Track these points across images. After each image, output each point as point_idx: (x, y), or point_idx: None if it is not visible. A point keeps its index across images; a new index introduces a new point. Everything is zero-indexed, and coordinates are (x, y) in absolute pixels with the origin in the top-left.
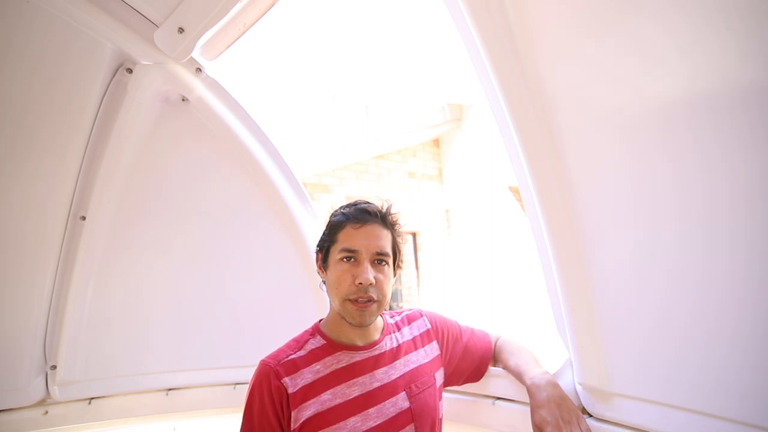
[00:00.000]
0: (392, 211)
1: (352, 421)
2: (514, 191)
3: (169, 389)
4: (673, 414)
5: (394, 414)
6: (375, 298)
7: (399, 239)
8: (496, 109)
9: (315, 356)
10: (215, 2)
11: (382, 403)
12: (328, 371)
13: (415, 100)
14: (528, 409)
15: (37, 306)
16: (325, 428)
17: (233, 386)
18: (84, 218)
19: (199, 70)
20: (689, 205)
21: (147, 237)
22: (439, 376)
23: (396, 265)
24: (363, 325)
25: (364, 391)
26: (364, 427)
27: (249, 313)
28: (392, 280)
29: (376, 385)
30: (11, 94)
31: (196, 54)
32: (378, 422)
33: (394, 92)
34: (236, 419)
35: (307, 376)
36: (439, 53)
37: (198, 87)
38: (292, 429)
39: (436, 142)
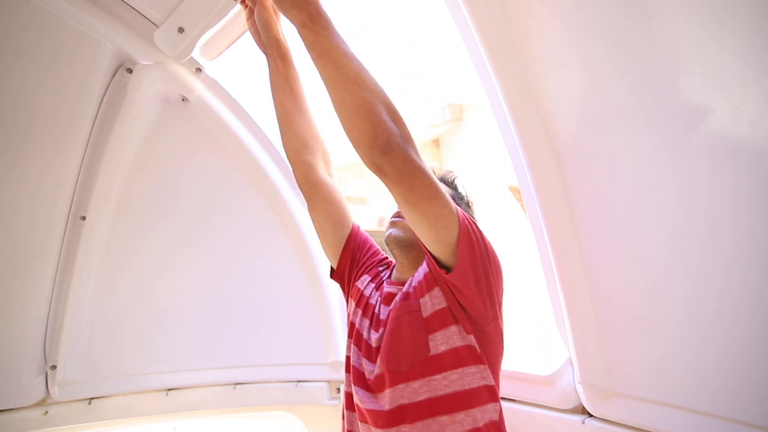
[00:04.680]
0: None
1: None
2: (514, 191)
3: (169, 389)
4: (674, 414)
5: (375, 346)
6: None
7: None
8: (497, 108)
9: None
10: (215, 3)
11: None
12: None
13: (415, 100)
14: (527, 409)
15: (37, 306)
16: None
17: (233, 386)
18: (84, 218)
19: (199, 70)
20: (690, 205)
21: (147, 237)
22: (429, 301)
23: None
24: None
25: (357, 322)
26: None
27: (249, 313)
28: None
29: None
30: (10, 94)
31: (195, 54)
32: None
33: (394, 92)
34: (236, 419)
35: (371, 269)
36: (439, 53)
37: (198, 87)
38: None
39: (436, 142)
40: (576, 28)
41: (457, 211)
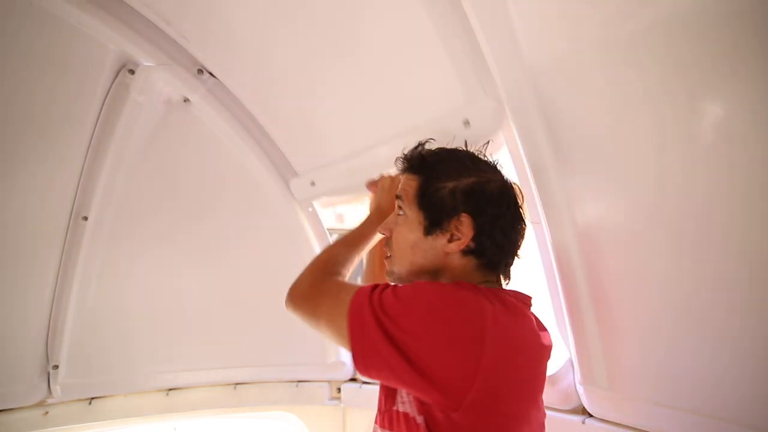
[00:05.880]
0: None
1: None
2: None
3: (169, 389)
4: (674, 415)
5: None
6: (387, 253)
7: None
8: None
9: None
10: (347, 177)
11: None
12: None
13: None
14: None
15: (39, 306)
16: None
17: (234, 386)
18: (86, 219)
19: (200, 71)
20: (692, 206)
21: (148, 237)
22: None
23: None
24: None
25: None
26: None
27: (249, 313)
28: (415, 228)
29: None
30: (12, 95)
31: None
32: None
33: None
34: (237, 419)
35: None
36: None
37: (200, 88)
38: None
39: None
40: (580, 25)
41: (348, 314)
